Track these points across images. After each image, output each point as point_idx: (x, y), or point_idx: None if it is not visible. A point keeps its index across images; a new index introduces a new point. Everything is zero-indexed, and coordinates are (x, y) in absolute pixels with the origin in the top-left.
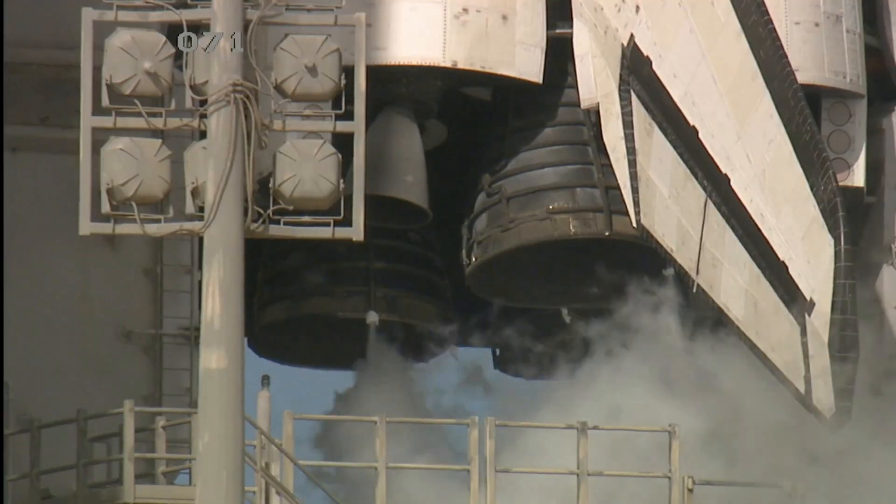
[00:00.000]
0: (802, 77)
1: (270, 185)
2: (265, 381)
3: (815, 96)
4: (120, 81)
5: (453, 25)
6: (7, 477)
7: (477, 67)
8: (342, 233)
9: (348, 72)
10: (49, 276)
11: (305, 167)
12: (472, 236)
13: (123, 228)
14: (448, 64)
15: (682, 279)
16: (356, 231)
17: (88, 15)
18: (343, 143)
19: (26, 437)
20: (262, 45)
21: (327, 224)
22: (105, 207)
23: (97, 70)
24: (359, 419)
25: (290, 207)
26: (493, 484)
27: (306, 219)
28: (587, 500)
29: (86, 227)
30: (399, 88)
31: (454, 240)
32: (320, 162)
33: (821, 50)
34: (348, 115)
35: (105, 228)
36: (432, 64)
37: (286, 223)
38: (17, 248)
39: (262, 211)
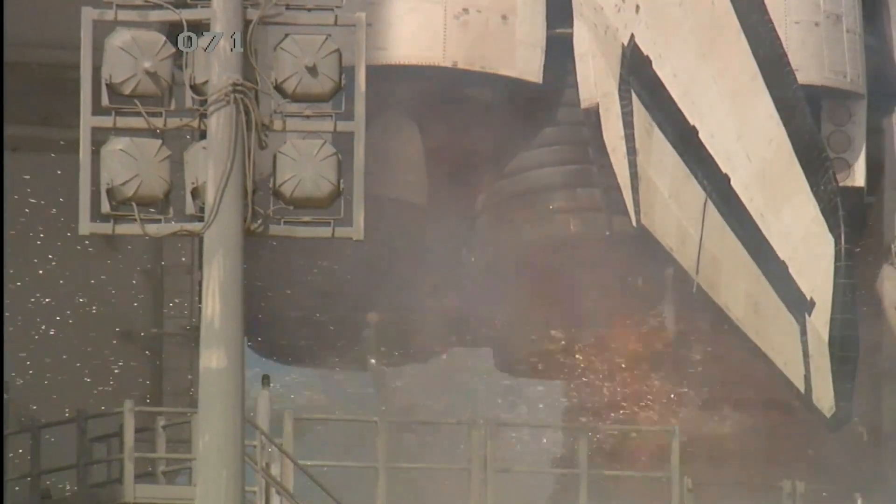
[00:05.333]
0: (802, 77)
1: (270, 184)
2: (265, 381)
3: (815, 96)
4: (120, 81)
5: (453, 25)
6: (7, 477)
7: (477, 67)
8: (342, 233)
9: (348, 72)
10: (49, 276)
11: (305, 167)
12: (473, 236)
13: (123, 228)
14: (448, 64)
15: (682, 279)
16: (356, 231)
17: (88, 14)
18: (343, 142)
19: (26, 437)
20: (263, 45)
21: (327, 224)
22: (105, 207)
23: (97, 70)
24: (358, 419)
25: (291, 207)
26: (494, 484)
27: (306, 218)
28: (587, 500)
29: (86, 227)
30: (399, 88)
31: (455, 240)
32: (320, 162)
33: (821, 49)
34: (348, 115)
35: (105, 228)
36: (432, 64)
37: (286, 223)
38: (17, 248)
39: (262, 211)
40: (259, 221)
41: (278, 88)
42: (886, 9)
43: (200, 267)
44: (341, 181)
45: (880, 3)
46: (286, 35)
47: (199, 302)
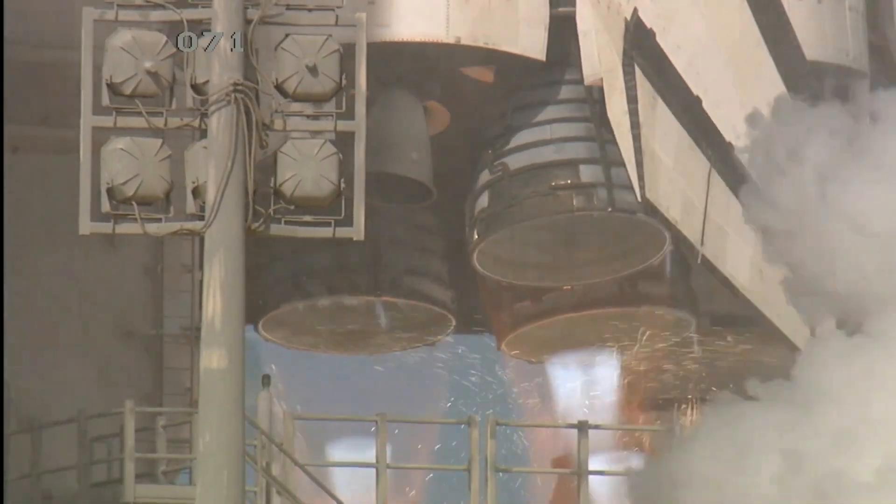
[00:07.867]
0: (805, 54)
1: (271, 184)
2: (265, 381)
3: (817, 74)
4: (120, 81)
5: (456, 2)
6: (7, 477)
7: (480, 44)
8: (343, 232)
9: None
10: (49, 275)
11: (306, 167)
12: (476, 213)
13: (124, 228)
14: (451, 40)
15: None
16: (357, 231)
17: (89, 14)
18: (344, 137)
19: (26, 437)
20: (263, 45)
21: (328, 224)
22: (105, 207)
23: (98, 70)
24: (358, 418)
25: (291, 207)
26: (493, 484)
27: (307, 218)
28: (586, 500)
29: (86, 226)
30: (402, 65)
31: (458, 218)
32: (321, 162)
33: (823, 26)
34: (349, 115)
35: (105, 228)
36: (435, 41)
37: (287, 223)
38: (17, 248)
39: (262, 210)
40: (260, 221)
41: (279, 88)
42: (887, 8)
43: (201, 266)
44: (342, 181)
45: (880, 3)
46: (287, 35)
47: (200, 301)
